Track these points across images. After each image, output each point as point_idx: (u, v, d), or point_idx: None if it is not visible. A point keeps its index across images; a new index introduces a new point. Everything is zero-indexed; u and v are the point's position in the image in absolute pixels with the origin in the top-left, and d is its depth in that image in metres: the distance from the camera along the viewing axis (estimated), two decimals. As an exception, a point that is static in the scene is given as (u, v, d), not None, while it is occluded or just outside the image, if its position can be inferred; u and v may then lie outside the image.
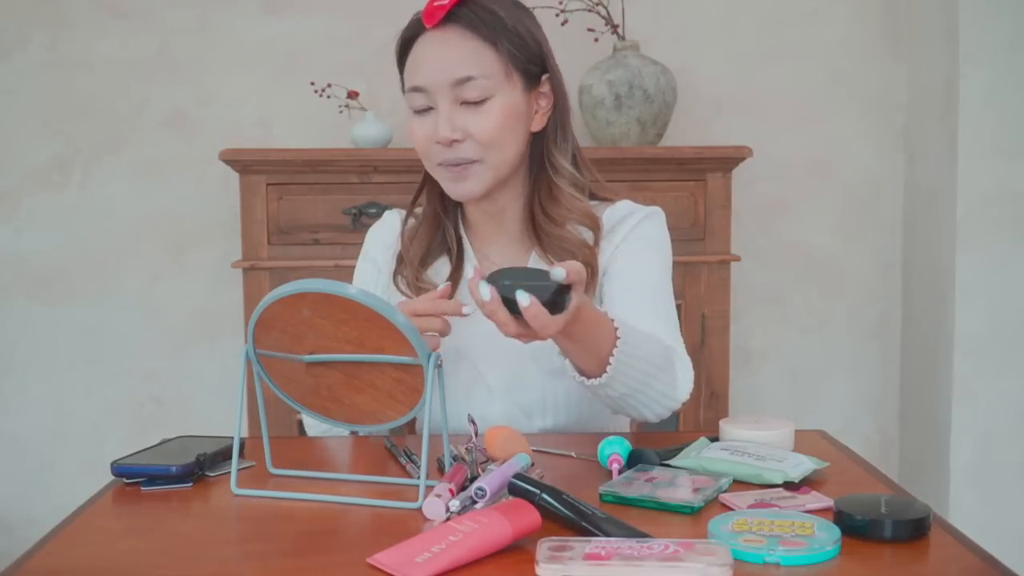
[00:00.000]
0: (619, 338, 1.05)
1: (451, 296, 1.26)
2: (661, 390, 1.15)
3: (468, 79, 1.18)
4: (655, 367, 1.13)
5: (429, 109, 1.21)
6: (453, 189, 1.24)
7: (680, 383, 1.19)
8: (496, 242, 1.31)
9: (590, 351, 1.05)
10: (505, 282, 0.91)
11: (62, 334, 2.44)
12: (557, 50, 1.29)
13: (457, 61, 1.18)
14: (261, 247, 2.11)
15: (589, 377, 1.08)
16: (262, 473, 1.02)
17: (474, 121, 1.19)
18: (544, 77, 1.25)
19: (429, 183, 1.31)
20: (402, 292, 1.29)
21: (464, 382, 1.27)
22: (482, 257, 1.31)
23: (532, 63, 1.23)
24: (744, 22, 2.45)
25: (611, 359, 1.05)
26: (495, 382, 1.27)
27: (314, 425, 1.26)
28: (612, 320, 1.06)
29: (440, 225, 1.32)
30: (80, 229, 2.42)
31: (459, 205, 1.33)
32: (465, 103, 1.19)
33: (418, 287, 1.27)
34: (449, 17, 1.19)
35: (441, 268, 1.31)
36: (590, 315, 1.01)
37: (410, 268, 1.29)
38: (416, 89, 1.21)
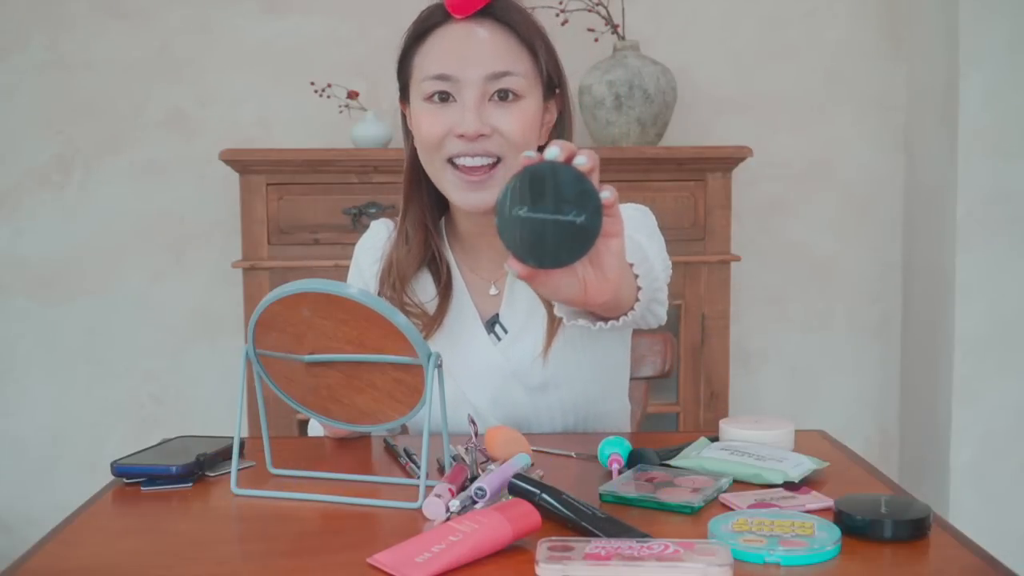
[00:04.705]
0: (640, 288, 0.98)
1: (442, 320, 1.23)
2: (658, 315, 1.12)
3: (506, 74, 1.13)
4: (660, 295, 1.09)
5: (446, 100, 1.15)
6: (466, 198, 1.15)
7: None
8: (483, 256, 1.27)
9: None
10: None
11: (62, 334, 2.44)
12: (557, 50, 1.28)
13: (496, 55, 1.13)
14: (261, 247, 2.11)
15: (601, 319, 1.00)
16: (262, 473, 1.02)
17: (504, 118, 1.13)
18: (557, 92, 1.22)
19: (412, 199, 1.25)
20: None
21: (450, 401, 1.23)
22: (468, 272, 1.28)
23: (553, 75, 1.20)
24: (744, 22, 2.45)
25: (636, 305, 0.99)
26: (480, 402, 1.24)
27: (317, 427, 1.25)
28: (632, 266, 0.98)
29: (426, 242, 1.26)
30: (80, 229, 2.42)
31: (445, 215, 1.29)
32: (492, 100, 1.14)
33: (404, 306, 1.24)
34: (483, 12, 1.14)
35: (426, 284, 1.27)
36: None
37: (399, 284, 1.24)
38: (441, 77, 1.13)
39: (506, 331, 1.25)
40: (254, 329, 0.96)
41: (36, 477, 2.46)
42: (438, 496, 0.87)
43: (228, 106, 2.41)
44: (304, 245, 2.11)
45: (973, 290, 2.22)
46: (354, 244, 1.37)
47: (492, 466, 0.96)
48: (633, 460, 1.01)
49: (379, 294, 1.27)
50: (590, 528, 0.80)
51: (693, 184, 2.13)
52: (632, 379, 1.39)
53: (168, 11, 2.39)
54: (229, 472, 0.98)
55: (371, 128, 2.20)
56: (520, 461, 0.94)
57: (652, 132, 2.21)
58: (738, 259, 2.17)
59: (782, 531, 0.78)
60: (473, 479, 0.93)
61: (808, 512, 0.85)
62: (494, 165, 1.14)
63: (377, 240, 1.33)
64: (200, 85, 2.40)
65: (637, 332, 1.38)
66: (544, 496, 0.83)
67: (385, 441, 1.13)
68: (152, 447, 1.08)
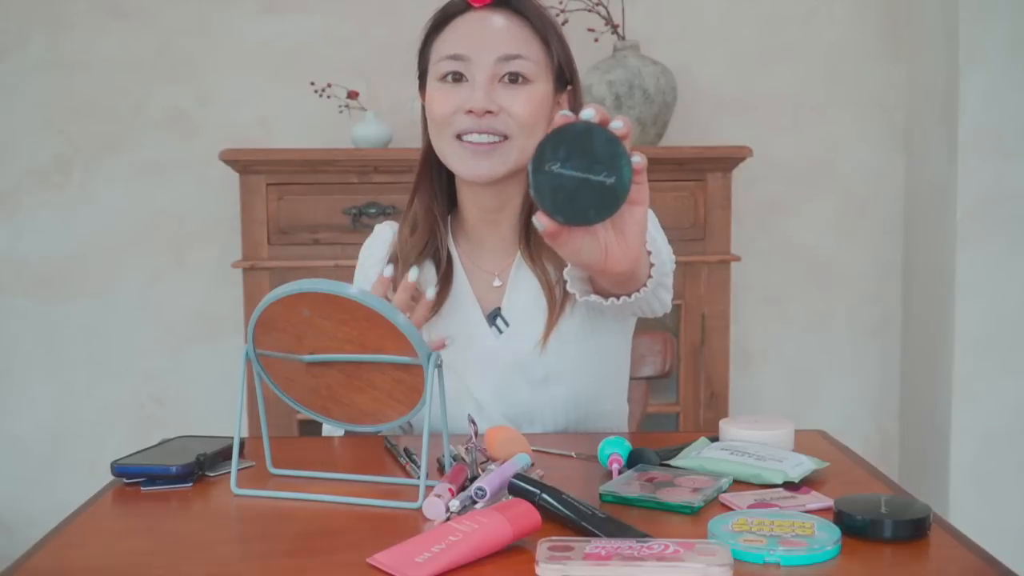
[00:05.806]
0: (653, 265, 1.04)
1: (439, 308, 1.24)
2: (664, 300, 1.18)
3: (517, 56, 1.17)
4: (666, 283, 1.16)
5: (459, 80, 1.19)
6: (472, 166, 1.18)
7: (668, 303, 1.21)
8: (487, 247, 1.28)
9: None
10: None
11: (62, 334, 2.44)
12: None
13: (508, 39, 1.18)
14: (261, 247, 2.11)
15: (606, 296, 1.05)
16: (262, 473, 1.02)
17: (512, 98, 1.17)
18: (568, 88, 1.25)
19: (422, 185, 1.28)
20: (388, 298, 1.26)
21: (452, 396, 1.24)
22: (470, 264, 1.29)
23: (565, 69, 1.23)
24: (744, 22, 2.45)
25: (648, 283, 1.04)
26: (483, 395, 1.25)
27: (330, 428, 1.25)
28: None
29: (432, 229, 1.28)
30: (80, 229, 2.42)
31: (452, 207, 1.30)
32: (502, 82, 1.17)
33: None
34: (500, 2, 1.19)
35: (427, 271, 1.27)
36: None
37: (402, 269, 1.25)
38: (455, 57, 1.18)
39: (507, 324, 1.26)
40: (254, 329, 0.96)
41: (36, 477, 2.46)
42: (438, 496, 0.87)
43: (228, 106, 2.40)
44: (304, 245, 2.11)
45: (973, 290, 2.22)
46: (354, 244, 1.38)
47: (492, 466, 0.96)
48: (633, 460, 1.01)
49: None
50: (590, 528, 0.80)
51: (693, 184, 2.13)
52: (632, 379, 1.39)
53: (168, 11, 2.39)
54: (229, 472, 0.98)
55: (371, 128, 2.20)
56: (520, 461, 0.94)
57: (652, 132, 2.21)
58: (738, 259, 2.17)
59: (782, 531, 0.78)
60: (473, 479, 0.93)
61: (808, 512, 0.85)
62: (501, 142, 1.18)
63: (381, 241, 1.34)
64: (200, 85, 2.40)
65: (637, 332, 1.38)
66: (544, 496, 0.83)
67: (385, 441, 1.13)
68: (152, 447, 1.08)
